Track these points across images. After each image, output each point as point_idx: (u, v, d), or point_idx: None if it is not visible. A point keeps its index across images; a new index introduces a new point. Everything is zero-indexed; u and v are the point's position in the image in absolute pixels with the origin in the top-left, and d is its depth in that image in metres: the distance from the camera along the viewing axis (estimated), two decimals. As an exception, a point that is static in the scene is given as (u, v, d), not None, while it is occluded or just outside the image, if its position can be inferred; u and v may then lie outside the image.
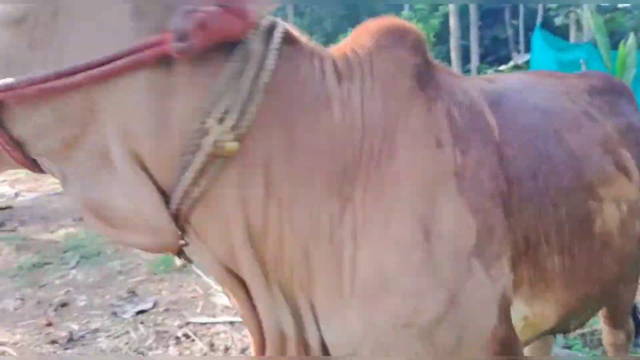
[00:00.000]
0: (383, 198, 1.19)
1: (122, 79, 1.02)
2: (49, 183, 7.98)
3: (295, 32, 1.26)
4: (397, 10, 23.48)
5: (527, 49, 17.19)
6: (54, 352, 3.18)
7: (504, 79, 1.71)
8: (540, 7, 14.38)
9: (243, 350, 3.13)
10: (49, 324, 3.55)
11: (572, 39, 12.33)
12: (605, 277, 1.61)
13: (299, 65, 1.20)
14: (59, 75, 1.00)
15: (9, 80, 1.00)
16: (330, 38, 21.86)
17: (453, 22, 14.15)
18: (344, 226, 1.17)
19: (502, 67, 17.76)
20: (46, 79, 1.00)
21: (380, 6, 26.16)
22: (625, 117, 1.78)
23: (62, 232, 5.66)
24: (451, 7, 14.08)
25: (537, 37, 9.40)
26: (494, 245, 1.25)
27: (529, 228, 1.36)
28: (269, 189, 1.13)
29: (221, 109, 1.06)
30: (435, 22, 16.60)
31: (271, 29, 1.16)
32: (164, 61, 1.03)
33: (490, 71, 16.33)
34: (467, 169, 1.26)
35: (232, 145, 1.06)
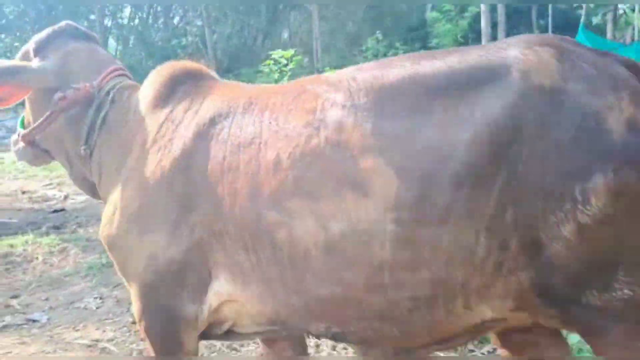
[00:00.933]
0: (126, 173, 1.99)
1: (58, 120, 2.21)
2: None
3: (133, 83, 2.25)
4: (421, 10, 23.41)
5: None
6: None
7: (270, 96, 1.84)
8: (584, 7, 14.24)
9: (334, 347, 3.15)
10: (135, 322, 3.59)
11: (609, 37, 12.22)
12: (325, 291, 1.63)
13: (124, 107, 2.13)
14: (44, 119, 2.20)
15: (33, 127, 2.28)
16: (354, 40, 22.01)
17: (484, 22, 14.08)
18: (120, 177, 2.00)
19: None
20: (41, 123, 2.22)
21: (402, 7, 26.11)
22: (438, 116, 1.51)
23: (122, 233, 5.72)
24: (482, 7, 14.03)
25: (581, 37, 9.31)
26: (153, 219, 1.84)
27: (208, 220, 1.76)
28: (101, 174, 2.14)
29: (82, 135, 2.18)
30: (464, 23, 16.54)
31: (112, 87, 2.17)
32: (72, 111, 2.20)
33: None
34: (151, 163, 1.88)
35: (81, 151, 2.17)
